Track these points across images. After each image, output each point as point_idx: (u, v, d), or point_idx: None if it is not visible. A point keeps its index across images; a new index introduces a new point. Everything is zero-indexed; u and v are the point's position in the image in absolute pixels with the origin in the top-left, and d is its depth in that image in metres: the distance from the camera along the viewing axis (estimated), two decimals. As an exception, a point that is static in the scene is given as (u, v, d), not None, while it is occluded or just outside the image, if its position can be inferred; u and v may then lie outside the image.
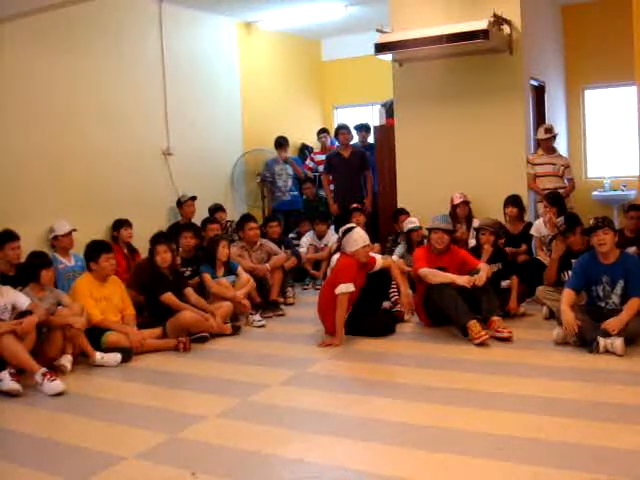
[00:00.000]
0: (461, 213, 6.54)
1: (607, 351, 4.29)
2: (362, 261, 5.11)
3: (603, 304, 4.62)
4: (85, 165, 6.57)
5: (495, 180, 6.76)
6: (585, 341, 4.44)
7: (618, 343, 4.25)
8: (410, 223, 6.32)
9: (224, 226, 7.41)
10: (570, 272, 5.04)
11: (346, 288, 4.95)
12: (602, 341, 4.31)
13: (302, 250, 7.31)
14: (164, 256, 5.36)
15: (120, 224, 6.52)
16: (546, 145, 6.69)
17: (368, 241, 5.16)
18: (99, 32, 6.72)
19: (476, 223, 6.12)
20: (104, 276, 5.09)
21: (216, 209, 7.48)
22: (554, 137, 6.73)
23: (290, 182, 8.50)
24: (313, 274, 7.29)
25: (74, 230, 5.93)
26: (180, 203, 7.30)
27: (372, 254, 5.33)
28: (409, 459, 2.99)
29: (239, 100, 8.64)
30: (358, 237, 5.11)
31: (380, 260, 5.34)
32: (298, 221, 7.93)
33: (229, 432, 3.42)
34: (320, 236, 7.39)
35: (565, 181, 6.74)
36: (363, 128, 8.57)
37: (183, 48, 7.78)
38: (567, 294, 4.61)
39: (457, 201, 6.58)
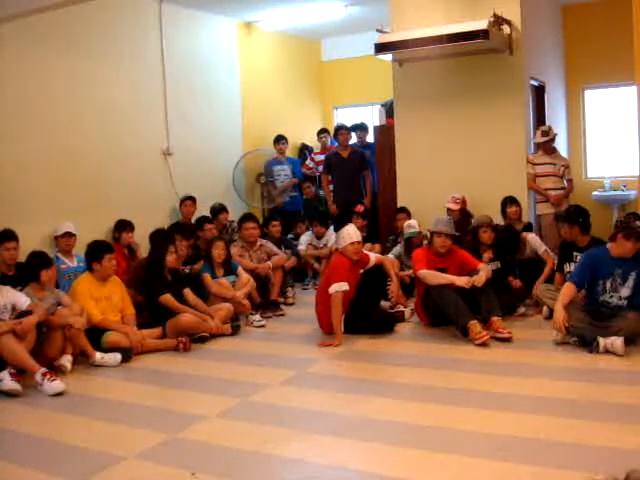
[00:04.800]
0: (453, 217, 6.49)
1: (607, 351, 4.30)
2: (353, 258, 5.15)
3: (607, 297, 4.60)
4: (85, 165, 6.56)
5: (495, 180, 6.75)
6: (585, 341, 4.44)
7: (618, 343, 4.25)
8: (409, 227, 6.32)
9: (225, 226, 7.41)
10: (572, 264, 5.13)
11: (339, 287, 4.98)
12: (602, 341, 4.31)
13: (301, 248, 7.32)
14: (171, 257, 5.40)
15: (122, 227, 6.46)
16: (546, 147, 6.68)
17: (358, 238, 5.19)
18: (99, 32, 6.71)
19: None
20: (105, 276, 5.09)
21: (220, 210, 7.44)
22: (553, 139, 6.71)
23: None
24: (316, 268, 7.27)
25: (72, 234, 5.90)
26: (181, 203, 7.30)
27: (365, 251, 5.41)
28: (409, 459, 2.99)
29: (239, 100, 8.64)
30: (347, 234, 5.18)
31: (373, 256, 5.43)
32: (296, 222, 7.93)
33: (229, 432, 3.42)
34: (319, 236, 7.40)
35: (564, 182, 6.74)
36: (358, 128, 8.56)
37: (183, 48, 7.78)
38: (568, 288, 4.60)
39: (447, 205, 6.61)
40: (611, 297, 4.60)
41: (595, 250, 4.73)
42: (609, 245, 4.62)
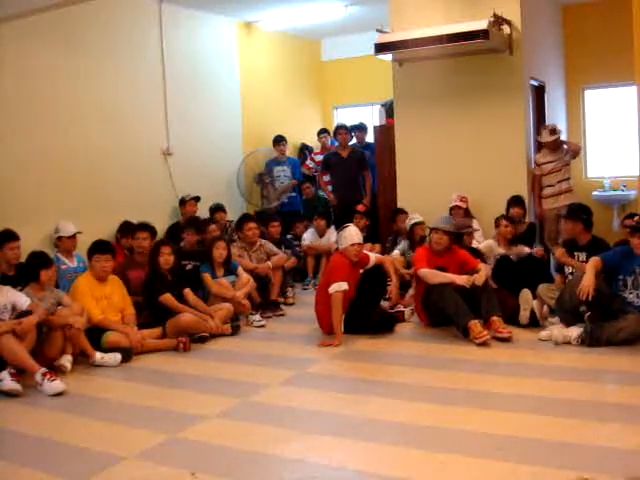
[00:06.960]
0: (455, 215, 6.50)
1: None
2: (353, 259, 5.17)
3: (627, 294, 4.64)
4: (86, 165, 6.57)
5: (495, 180, 6.75)
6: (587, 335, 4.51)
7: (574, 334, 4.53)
8: (413, 219, 6.40)
9: (224, 226, 7.41)
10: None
11: (339, 287, 4.99)
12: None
13: (305, 243, 7.37)
14: (167, 258, 5.38)
15: (124, 230, 6.45)
16: (550, 145, 6.65)
17: (359, 240, 5.21)
18: (99, 32, 6.71)
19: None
20: (97, 276, 5.09)
21: (217, 209, 7.47)
22: (559, 137, 6.70)
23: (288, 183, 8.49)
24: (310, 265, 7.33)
25: (79, 233, 5.91)
26: (182, 202, 7.30)
27: (365, 251, 5.42)
28: (409, 459, 2.99)
29: (239, 100, 8.63)
30: (348, 235, 5.20)
31: (373, 256, 5.45)
32: (295, 222, 7.94)
33: (229, 432, 3.42)
34: (321, 234, 7.41)
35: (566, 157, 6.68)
36: (357, 129, 8.55)
37: (183, 48, 7.78)
38: (595, 261, 4.66)
39: (455, 203, 6.61)
40: (630, 293, 4.63)
41: (624, 248, 4.83)
42: (633, 244, 4.69)
